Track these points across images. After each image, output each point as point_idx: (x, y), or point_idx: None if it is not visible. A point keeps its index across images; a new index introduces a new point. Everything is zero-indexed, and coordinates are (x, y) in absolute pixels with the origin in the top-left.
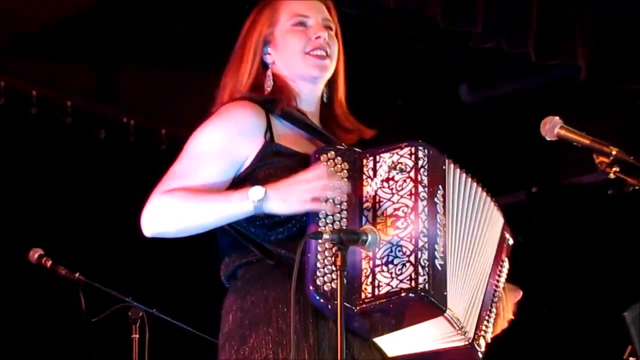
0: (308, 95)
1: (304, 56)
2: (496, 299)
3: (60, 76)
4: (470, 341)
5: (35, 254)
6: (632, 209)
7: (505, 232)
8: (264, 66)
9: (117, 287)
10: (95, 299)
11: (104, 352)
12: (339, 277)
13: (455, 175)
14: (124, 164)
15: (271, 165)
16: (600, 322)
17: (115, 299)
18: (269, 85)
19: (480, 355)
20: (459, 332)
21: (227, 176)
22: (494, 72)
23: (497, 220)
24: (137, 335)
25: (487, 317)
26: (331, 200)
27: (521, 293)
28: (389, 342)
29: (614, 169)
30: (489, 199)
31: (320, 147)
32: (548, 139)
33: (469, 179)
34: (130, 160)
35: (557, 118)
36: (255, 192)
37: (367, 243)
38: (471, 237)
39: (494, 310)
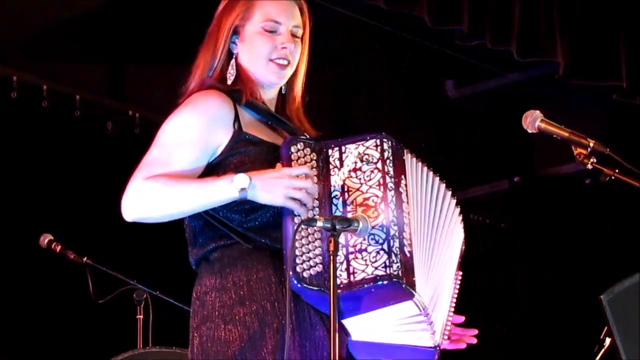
0: (267, 89)
1: (267, 62)
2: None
3: (70, 71)
4: (436, 344)
5: (45, 239)
6: (608, 197)
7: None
8: (229, 53)
9: (123, 270)
10: (102, 281)
11: (110, 332)
12: (331, 262)
13: (413, 166)
14: (130, 154)
15: (243, 153)
16: (578, 304)
17: (121, 281)
18: (232, 73)
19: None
20: (425, 318)
21: (202, 163)
22: (479, 69)
23: (457, 224)
24: (142, 316)
25: (448, 321)
26: (306, 201)
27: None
28: (356, 326)
29: (591, 160)
30: (448, 192)
31: (288, 138)
32: (529, 131)
33: (426, 169)
34: (135, 151)
35: (537, 112)
36: (241, 180)
37: (359, 230)
38: (431, 225)
39: (450, 317)
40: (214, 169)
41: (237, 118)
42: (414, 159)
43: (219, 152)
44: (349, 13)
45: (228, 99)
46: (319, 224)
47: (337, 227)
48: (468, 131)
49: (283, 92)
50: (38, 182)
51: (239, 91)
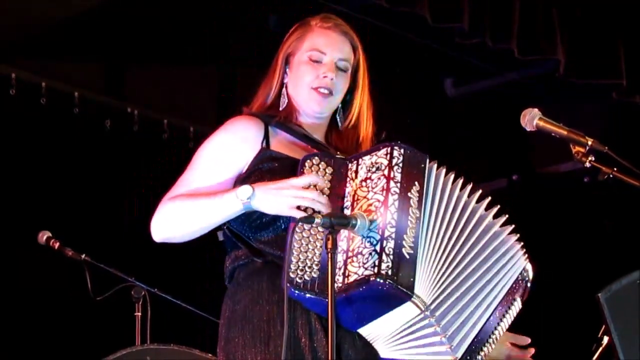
0: (311, 116)
1: (309, 90)
2: (496, 331)
3: (69, 69)
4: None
5: (43, 236)
6: (606, 195)
7: (525, 273)
8: (281, 83)
9: (121, 268)
10: (100, 278)
11: (108, 329)
12: (329, 260)
13: (437, 176)
14: (128, 151)
15: (263, 169)
16: (577, 302)
17: (119, 278)
18: (283, 102)
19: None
20: (430, 320)
21: (228, 182)
22: (478, 67)
23: (510, 247)
24: (140, 313)
25: (486, 344)
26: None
27: (527, 340)
28: (381, 343)
29: (589, 158)
30: (486, 213)
31: (306, 155)
32: (528, 129)
33: (453, 183)
34: (133, 148)
35: (536, 110)
36: (244, 191)
37: (357, 227)
38: (453, 236)
39: (492, 339)
40: (240, 184)
41: (266, 137)
42: (441, 171)
43: (245, 168)
44: (348, 11)
45: (257, 120)
46: (317, 221)
47: (335, 224)
48: (466, 129)
49: (339, 125)
50: (37, 180)
51: (272, 115)
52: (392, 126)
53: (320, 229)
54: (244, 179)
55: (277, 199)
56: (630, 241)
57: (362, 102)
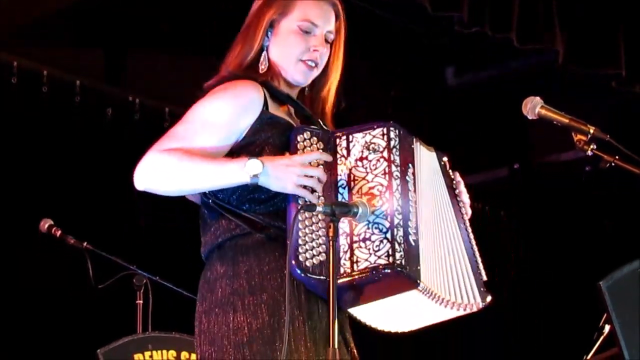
0: (289, 85)
1: (297, 61)
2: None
3: (70, 58)
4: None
5: (45, 224)
6: (608, 183)
7: (441, 161)
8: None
9: (123, 256)
10: (102, 266)
11: (109, 317)
12: (331, 247)
13: (422, 154)
14: (130, 140)
15: (262, 139)
16: (578, 291)
17: (121, 266)
18: (264, 65)
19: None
20: (437, 302)
21: (224, 146)
22: (479, 56)
23: (433, 158)
24: (141, 301)
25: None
26: (316, 188)
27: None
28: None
29: (591, 147)
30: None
31: (296, 127)
32: (529, 117)
33: (435, 156)
34: (135, 137)
35: (537, 98)
36: (254, 165)
37: (358, 215)
38: (438, 209)
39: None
40: (238, 152)
41: (265, 102)
42: (423, 147)
43: (244, 133)
44: None
45: (260, 88)
46: (319, 209)
47: (337, 212)
48: (467, 118)
49: (306, 92)
50: (38, 168)
51: (264, 79)
52: (392, 115)
53: (314, 226)
54: (244, 145)
55: (284, 175)
56: (632, 230)
57: (333, 70)
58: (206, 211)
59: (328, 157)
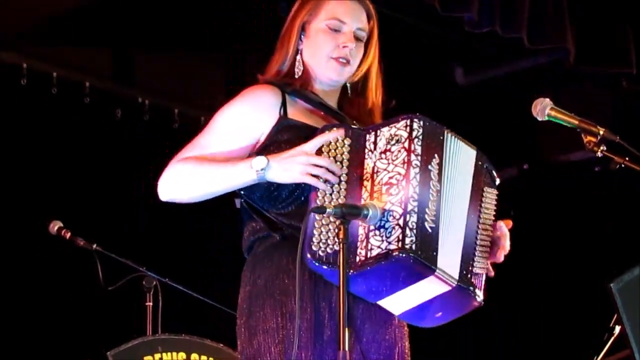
0: (325, 85)
1: (328, 59)
2: (481, 231)
3: (79, 59)
4: (455, 284)
5: (55, 226)
6: (617, 184)
7: (480, 162)
8: (296, 50)
9: (132, 257)
10: (112, 268)
11: (119, 318)
12: (341, 250)
13: (456, 146)
14: (139, 141)
15: (280, 140)
16: (588, 291)
17: (131, 268)
18: (299, 69)
19: (477, 295)
20: (454, 287)
21: (244, 150)
22: (488, 56)
23: (469, 156)
24: (151, 303)
25: (474, 256)
26: (325, 177)
27: (510, 223)
28: (393, 303)
29: (601, 148)
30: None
31: (326, 124)
32: (539, 119)
33: (470, 149)
34: (144, 138)
35: (547, 100)
36: (258, 161)
37: (368, 217)
38: (462, 197)
39: (479, 244)
40: (258, 154)
41: (283, 105)
42: (461, 142)
43: (262, 138)
44: None
45: (274, 88)
46: (329, 211)
47: (346, 214)
48: (476, 118)
49: (349, 91)
50: (48, 170)
51: (289, 83)
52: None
53: (331, 218)
54: (261, 149)
55: (290, 166)
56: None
57: (371, 70)
58: (241, 211)
59: (332, 136)
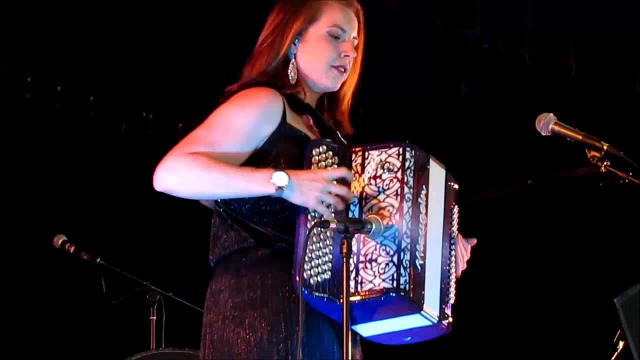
0: (314, 91)
1: (329, 68)
2: (452, 258)
3: (84, 72)
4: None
5: (59, 240)
6: (622, 200)
7: (448, 182)
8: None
9: (136, 271)
10: (115, 282)
11: (123, 332)
12: (344, 264)
13: (437, 174)
14: (143, 155)
15: (280, 152)
16: (592, 307)
17: (134, 282)
18: (294, 74)
19: (448, 324)
20: (432, 323)
21: (246, 154)
22: (492, 71)
23: (442, 178)
24: (155, 317)
25: (449, 286)
26: (337, 207)
27: (474, 241)
28: (366, 328)
29: (605, 163)
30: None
31: (313, 140)
32: (543, 134)
33: (442, 169)
34: (148, 152)
35: (551, 115)
36: (279, 178)
37: (372, 232)
38: (439, 224)
39: (451, 272)
40: (257, 158)
41: (284, 114)
42: (436, 165)
43: (263, 142)
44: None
45: (280, 97)
46: (332, 225)
47: (350, 228)
48: (482, 132)
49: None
50: (52, 183)
51: (281, 86)
52: (405, 128)
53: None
54: (260, 154)
55: (306, 190)
56: None
57: (354, 72)
58: (218, 220)
59: (349, 175)
